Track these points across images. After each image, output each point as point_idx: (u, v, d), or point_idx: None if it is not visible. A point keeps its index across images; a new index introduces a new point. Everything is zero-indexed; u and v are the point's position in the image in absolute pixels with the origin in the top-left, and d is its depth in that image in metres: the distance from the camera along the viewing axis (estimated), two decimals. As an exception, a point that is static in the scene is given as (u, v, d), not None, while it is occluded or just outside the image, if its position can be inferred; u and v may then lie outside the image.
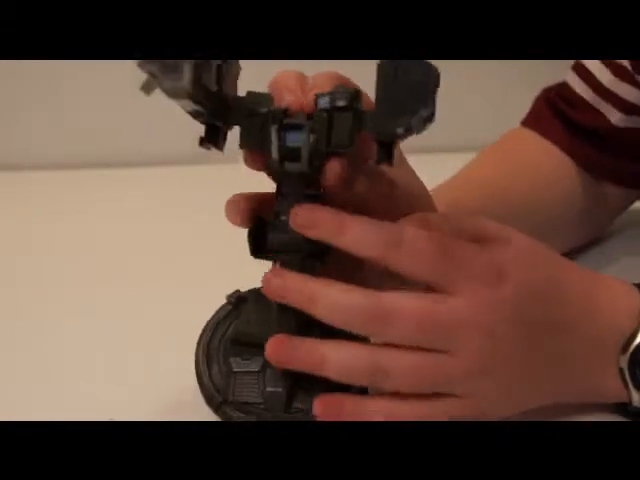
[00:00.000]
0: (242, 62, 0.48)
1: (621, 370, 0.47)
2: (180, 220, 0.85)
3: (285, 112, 0.46)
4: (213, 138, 0.47)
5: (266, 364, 0.49)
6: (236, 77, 0.48)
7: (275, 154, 0.45)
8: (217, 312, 0.54)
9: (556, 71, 0.98)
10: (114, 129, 1.05)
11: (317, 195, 0.48)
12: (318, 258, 0.48)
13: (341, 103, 0.46)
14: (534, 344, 0.46)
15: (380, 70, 0.44)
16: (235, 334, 0.52)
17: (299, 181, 0.47)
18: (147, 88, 0.42)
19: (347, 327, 0.45)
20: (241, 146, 0.47)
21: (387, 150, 0.45)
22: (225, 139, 0.48)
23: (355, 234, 0.45)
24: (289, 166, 0.46)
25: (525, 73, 0.98)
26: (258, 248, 0.48)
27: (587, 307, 0.48)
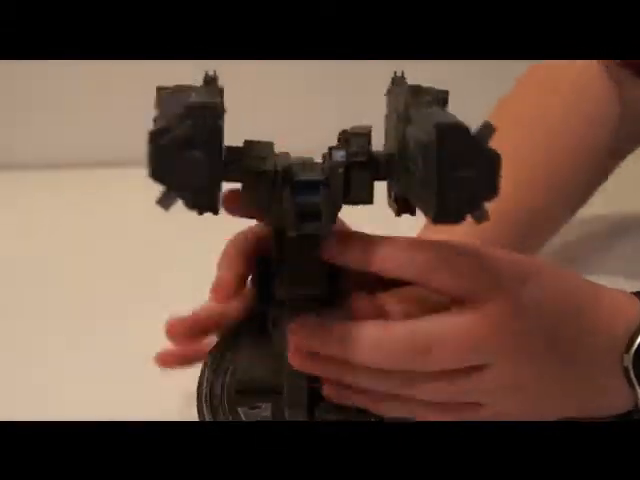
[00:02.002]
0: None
1: (626, 370, 0.47)
2: (180, 220, 0.85)
3: (292, 167, 0.42)
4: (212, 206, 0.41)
5: (276, 409, 0.47)
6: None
7: (292, 216, 0.42)
8: (210, 352, 0.50)
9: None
10: (114, 129, 1.05)
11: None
12: (331, 302, 0.45)
13: (360, 159, 0.43)
14: (566, 359, 0.46)
15: (437, 154, 0.37)
16: (238, 383, 0.48)
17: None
18: (165, 204, 0.36)
19: (389, 364, 0.44)
20: (244, 204, 0.43)
21: (409, 205, 0.43)
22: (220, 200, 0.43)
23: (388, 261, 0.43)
24: (307, 227, 0.42)
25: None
26: (266, 297, 0.46)
27: (593, 319, 0.47)
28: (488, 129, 0.37)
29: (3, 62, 0.88)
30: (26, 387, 0.57)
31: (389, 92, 0.45)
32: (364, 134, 0.43)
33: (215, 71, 0.46)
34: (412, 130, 0.40)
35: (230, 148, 0.43)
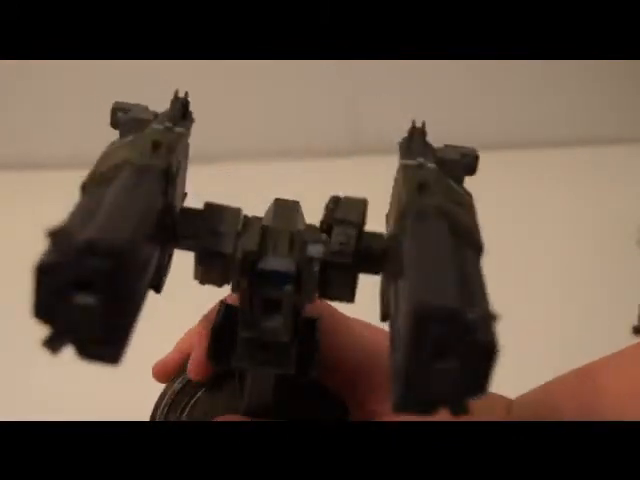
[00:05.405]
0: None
1: None
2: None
3: (259, 250, 0.35)
4: (110, 360, 0.32)
5: None
6: (184, 176, 0.36)
7: (248, 311, 0.36)
8: (161, 397, 0.48)
9: (559, 71, 0.98)
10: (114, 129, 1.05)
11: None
12: (301, 374, 0.39)
13: (342, 260, 0.34)
14: None
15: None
16: None
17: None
18: (52, 347, 0.29)
19: None
20: (196, 277, 0.37)
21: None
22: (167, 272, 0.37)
23: None
24: (269, 322, 0.36)
25: (530, 74, 0.98)
26: (220, 353, 0.40)
27: None
28: (489, 318, 0.28)
29: (3, 62, 0.88)
30: (28, 387, 0.57)
31: (401, 145, 0.37)
32: (352, 223, 0.35)
33: (187, 94, 0.38)
34: (406, 248, 0.31)
35: (185, 212, 0.36)
